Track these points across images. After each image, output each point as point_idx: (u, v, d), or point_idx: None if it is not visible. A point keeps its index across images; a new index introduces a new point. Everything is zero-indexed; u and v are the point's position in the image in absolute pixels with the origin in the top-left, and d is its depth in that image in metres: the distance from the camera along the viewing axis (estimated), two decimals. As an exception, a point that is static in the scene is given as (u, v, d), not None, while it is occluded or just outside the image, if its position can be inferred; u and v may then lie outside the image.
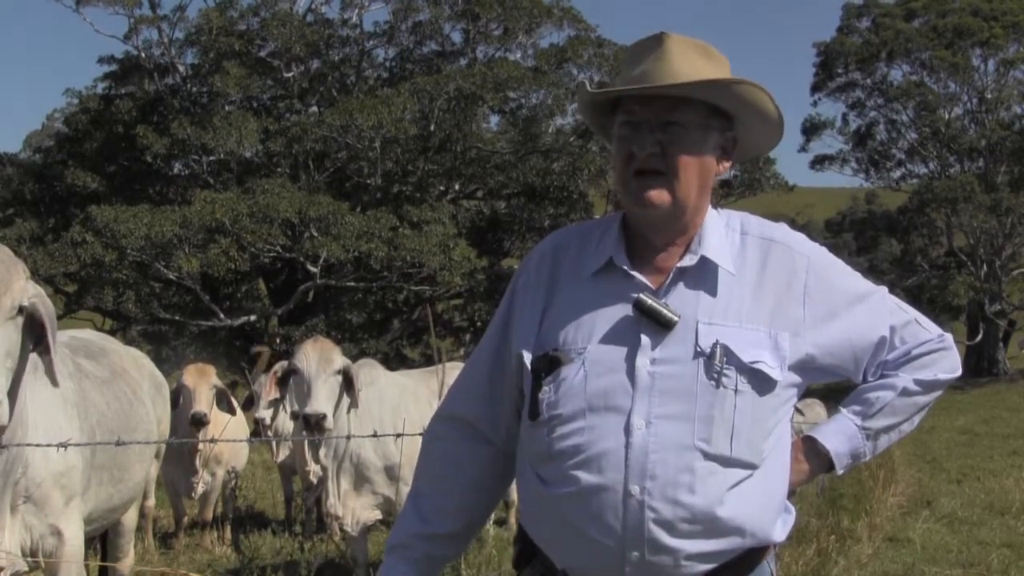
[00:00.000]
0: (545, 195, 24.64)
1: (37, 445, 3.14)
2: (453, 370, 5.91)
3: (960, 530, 7.72)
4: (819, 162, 31.88)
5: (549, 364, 1.84)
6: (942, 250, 30.95)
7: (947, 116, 29.49)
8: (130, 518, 4.69)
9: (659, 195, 1.81)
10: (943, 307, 27.17)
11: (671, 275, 1.84)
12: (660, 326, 1.79)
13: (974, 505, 8.78)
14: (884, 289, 1.98)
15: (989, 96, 29.24)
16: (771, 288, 1.85)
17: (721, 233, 1.89)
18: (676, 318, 1.79)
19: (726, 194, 26.53)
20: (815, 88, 31.17)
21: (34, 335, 3.04)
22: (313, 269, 21.40)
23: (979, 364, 28.57)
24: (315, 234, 20.97)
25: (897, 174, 31.59)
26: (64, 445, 3.14)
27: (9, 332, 2.88)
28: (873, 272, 30.14)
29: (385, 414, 5.46)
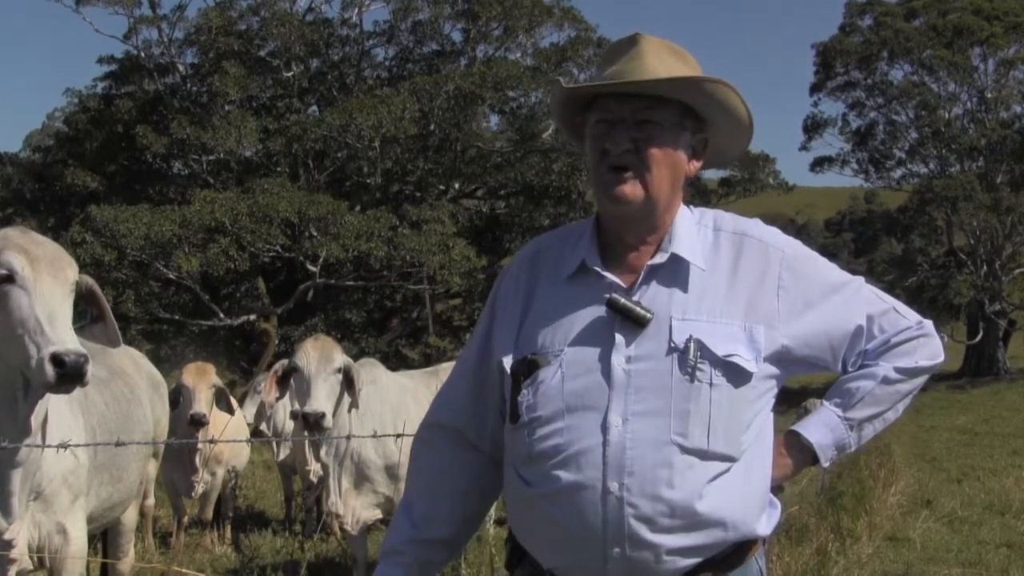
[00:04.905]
0: (544, 194, 24.67)
1: (36, 446, 3.14)
2: (450, 370, 5.90)
3: (960, 530, 7.72)
4: (819, 164, 31.87)
5: (528, 367, 1.87)
6: (942, 250, 30.93)
7: (947, 116, 29.47)
8: (130, 517, 4.68)
9: (633, 190, 1.84)
10: (943, 307, 27.14)
11: (643, 273, 1.87)
12: (634, 324, 1.81)
13: (974, 505, 8.78)
14: (860, 279, 1.99)
15: (989, 96, 29.23)
16: (745, 282, 1.87)
17: (693, 231, 1.92)
18: (649, 315, 1.81)
19: (726, 193, 26.58)
20: (815, 88, 31.15)
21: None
22: (313, 268, 21.40)
23: (979, 364, 28.56)
24: (315, 234, 20.97)
25: (897, 174, 31.59)
26: (64, 446, 3.15)
27: (71, 305, 2.99)
28: (873, 272, 30.17)
29: (386, 413, 5.46)
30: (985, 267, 28.82)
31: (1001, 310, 28.75)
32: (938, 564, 6.50)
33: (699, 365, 1.79)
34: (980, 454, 13.66)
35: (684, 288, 1.86)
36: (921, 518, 7.79)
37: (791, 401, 9.01)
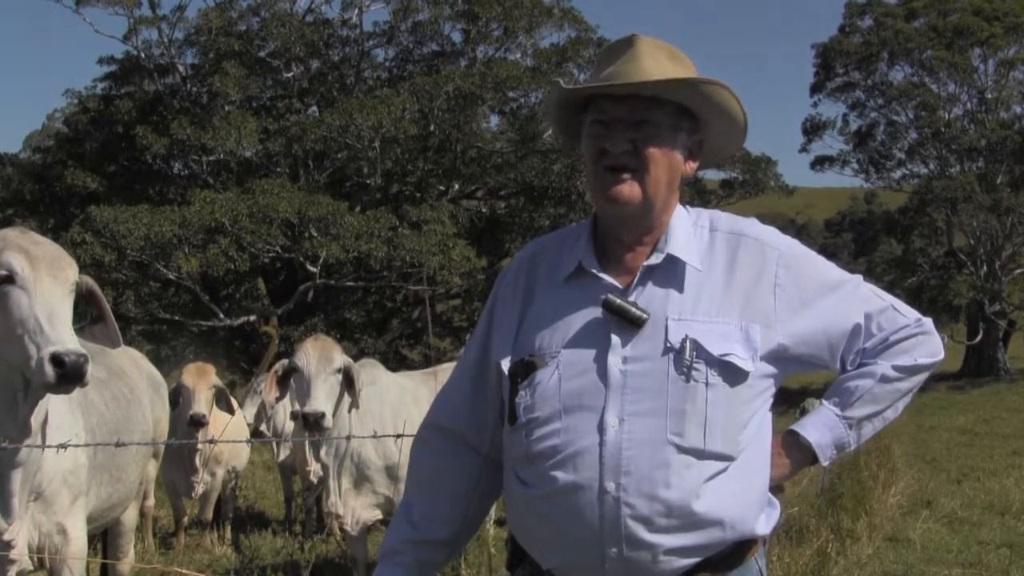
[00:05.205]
0: (544, 195, 24.65)
1: (36, 446, 3.14)
2: (451, 370, 5.90)
3: (960, 530, 7.72)
4: (819, 163, 31.88)
5: (525, 369, 1.88)
6: (942, 250, 30.91)
7: (947, 116, 29.47)
8: (129, 518, 4.68)
9: (630, 190, 1.85)
10: (943, 307, 27.13)
11: (639, 274, 1.88)
12: (630, 324, 1.82)
13: (974, 505, 8.78)
14: (859, 277, 1.99)
15: (989, 96, 29.23)
16: (741, 282, 1.88)
17: (689, 231, 1.92)
18: (645, 315, 1.82)
19: (727, 195, 26.57)
20: (815, 88, 31.14)
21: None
22: (313, 269, 21.40)
23: (979, 364, 28.55)
24: (315, 234, 20.96)
25: (897, 174, 31.58)
26: (64, 446, 3.15)
27: (71, 306, 3.00)
28: (873, 272, 30.16)
29: (386, 414, 5.46)
30: (985, 268, 28.82)
31: (1001, 311, 28.74)
32: (938, 565, 6.49)
33: (695, 365, 1.79)
34: (980, 454, 13.65)
35: (680, 288, 1.86)
36: (921, 519, 7.79)
37: (791, 401, 9.00)
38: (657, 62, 1.86)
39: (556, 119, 2.02)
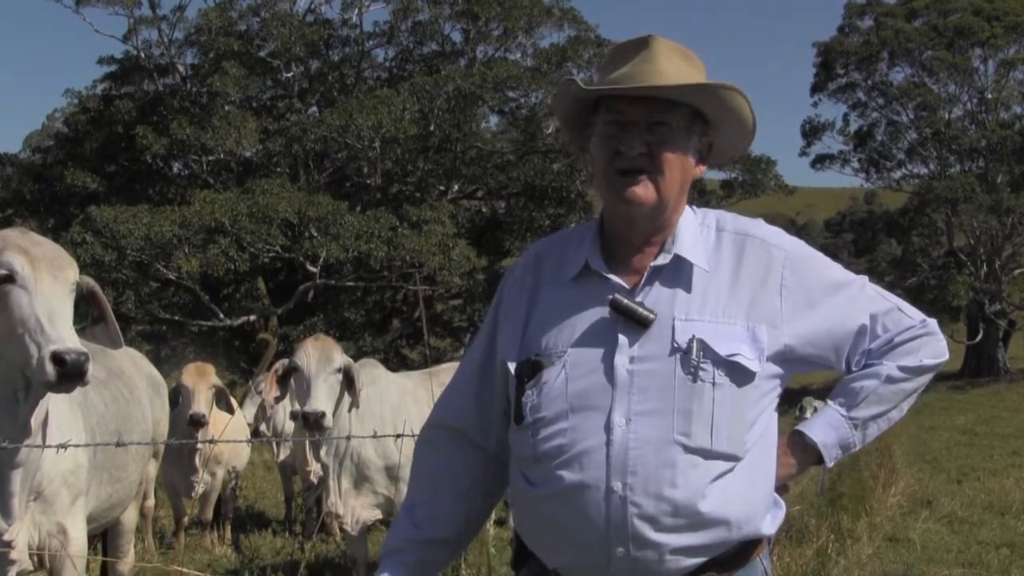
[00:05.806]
0: (545, 195, 24.66)
1: (36, 446, 3.14)
2: (452, 370, 5.90)
3: (960, 530, 7.72)
4: (820, 161, 31.88)
5: (531, 368, 1.88)
6: (942, 250, 30.92)
7: (947, 116, 29.48)
8: (129, 518, 4.68)
9: (645, 191, 1.85)
10: (943, 307, 27.14)
11: (646, 274, 1.88)
12: (637, 325, 1.82)
13: (974, 505, 8.78)
14: (864, 278, 1.99)
15: (989, 96, 29.23)
16: (747, 282, 1.88)
17: (696, 231, 1.92)
18: (652, 316, 1.82)
19: (727, 195, 26.57)
20: (815, 89, 31.16)
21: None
22: (313, 269, 21.40)
23: (979, 364, 28.57)
24: (315, 234, 20.97)
25: (897, 174, 31.60)
26: (64, 446, 3.14)
27: (71, 305, 2.99)
28: (873, 273, 30.15)
29: (386, 413, 5.46)
30: (985, 268, 28.83)
31: (1001, 310, 28.76)
32: (938, 565, 6.49)
33: (702, 365, 1.79)
34: (980, 454, 13.67)
35: (687, 289, 1.86)
36: (921, 519, 7.79)
37: (792, 401, 9.01)
38: (674, 64, 1.86)
39: (565, 117, 2.01)
